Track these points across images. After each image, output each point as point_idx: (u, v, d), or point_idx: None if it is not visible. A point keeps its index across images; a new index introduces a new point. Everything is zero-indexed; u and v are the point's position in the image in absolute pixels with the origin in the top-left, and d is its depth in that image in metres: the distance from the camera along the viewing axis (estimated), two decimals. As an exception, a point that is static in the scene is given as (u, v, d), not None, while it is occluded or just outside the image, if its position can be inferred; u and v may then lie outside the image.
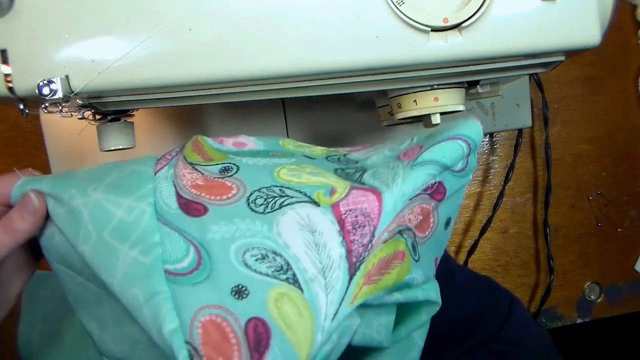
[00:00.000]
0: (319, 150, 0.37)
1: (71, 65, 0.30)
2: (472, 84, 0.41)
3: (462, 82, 0.38)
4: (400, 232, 0.30)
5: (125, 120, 0.40)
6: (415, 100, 0.38)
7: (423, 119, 0.39)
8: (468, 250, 0.59)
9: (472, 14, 0.30)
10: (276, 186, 0.30)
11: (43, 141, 0.51)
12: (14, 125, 0.55)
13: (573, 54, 0.34)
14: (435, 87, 0.37)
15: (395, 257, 0.29)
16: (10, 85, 0.31)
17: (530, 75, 0.55)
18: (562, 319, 0.61)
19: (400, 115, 0.39)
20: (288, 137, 0.53)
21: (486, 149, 0.60)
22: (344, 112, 0.53)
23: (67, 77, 0.30)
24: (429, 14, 0.30)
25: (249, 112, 0.53)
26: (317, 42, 0.31)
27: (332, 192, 0.29)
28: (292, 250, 0.27)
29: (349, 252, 0.28)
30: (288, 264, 0.27)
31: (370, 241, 0.28)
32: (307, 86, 0.34)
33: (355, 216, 0.28)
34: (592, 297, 0.61)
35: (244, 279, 0.27)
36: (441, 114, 0.38)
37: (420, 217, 0.31)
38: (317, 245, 0.28)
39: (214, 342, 0.25)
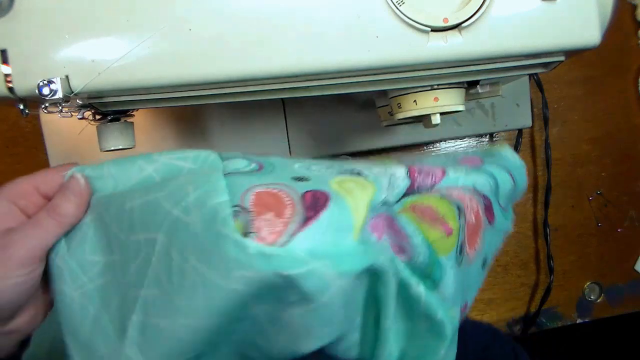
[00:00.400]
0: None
1: (71, 65, 0.30)
2: (472, 84, 0.41)
3: (462, 82, 0.38)
4: (459, 209, 0.30)
5: (125, 120, 0.40)
6: (415, 100, 0.38)
7: (423, 119, 0.39)
8: (468, 250, 0.59)
9: (472, 14, 0.30)
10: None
11: (43, 141, 0.51)
12: (14, 125, 0.55)
13: (573, 54, 0.34)
14: (435, 87, 0.37)
15: (443, 224, 0.29)
16: (10, 85, 0.31)
17: (530, 75, 0.55)
18: (562, 319, 0.61)
19: (400, 116, 0.39)
20: (288, 137, 0.53)
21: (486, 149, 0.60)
22: (344, 112, 0.53)
23: (67, 77, 0.30)
24: (429, 14, 0.30)
25: (249, 112, 0.53)
26: (317, 42, 0.31)
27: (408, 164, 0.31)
28: (359, 166, 0.29)
29: (411, 179, 0.30)
30: (355, 169, 0.29)
31: (430, 187, 0.30)
32: (307, 86, 0.34)
33: (422, 169, 0.30)
34: (592, 297, 0.61)
35: (306, 173, 0.28)
36: (441, 114, 0.38)
37: (474, 220, 0.31)
38: (385, 168, 0.29)
39: (266, 204, 0.25)
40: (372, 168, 0.30)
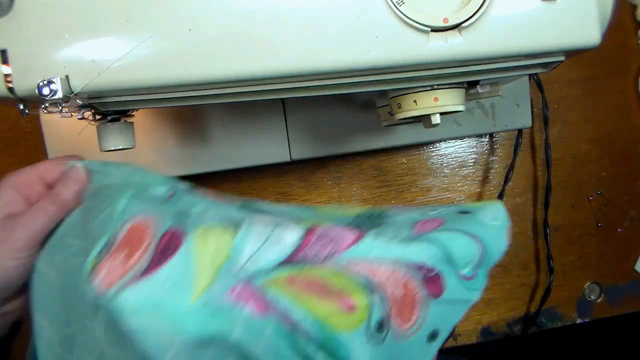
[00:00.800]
0: (355, 210, 0.36)
1: (71, 65, 0.30)
2: (472, 84, 0.41)
3: (462, 82, 0.38)
4: (367, 282, 0.27)
5: (125, 121, 0.40)
6: (415, 101, 0.38)
7: (423, 119, 0.39)
8: (468, 250, 0.59)
9: (472, 14, 0.30)
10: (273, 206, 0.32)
11: (43, 141, 0.51)
12: (14, 125, 0.55)
13: (573, 54, 0.34)
14: (435, 87, 0.37)
15: (340, 298, 0.26)
16: (10, 85, 0.31)
17: (530, 75, 0.55)
18: (562, 319, 0.61)
19: (400, 116, 0.39)
20: (288, 137, 0.53)
21: (486, 149, 0.60)
22: (344, 112, 0.53)
23: (67, 77, 0.30)
24: (429, 14, 0.30)
25: (249, 112, 0.53)
26: (317, 42, 0.31)
27: (314, 225, 0.29)
28: (252, 223, 0.28)
29: (298, 248, 0.27)
30: (240, 224, 0.27)
31: (325, 258, 0.28)
32: (307, 86, 0.34)
33: (324, 234, 0.28)
34: (592, 297, 0.61)
35: (194, 209, 0.28)
36: (441, 114, 0.38)
37: (402, 292, 0.28)
38: (276, 227, 0.28)
39: (130, 240, 0.25)
40: (263, 225, 0.28)
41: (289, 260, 0.27)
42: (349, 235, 0.28)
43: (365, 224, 0.32)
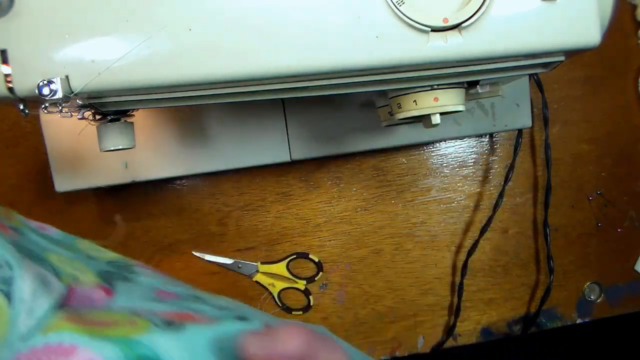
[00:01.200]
0: (109, 255, 0.37)
1: (71, 65, 0.30)
2: (472, 84, 0.41)
3: (462, 82, 0.38)
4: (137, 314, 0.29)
5: (125, 121, 0.40)
6: (415, 101, 0.38)
7: (423, 119, 0.39)
8: (468, 251, 0.59)
9: (472, 14, 0.30)
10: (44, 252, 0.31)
11: (43, 141, 0.51)
12: (14, 125, 0.55)
13: (573, 54, 0.34)
14: (435, 87, 0.37)
15: (130, 323, 0.28)
16: (10, 85, 0.31)
17: (530, 75, 0.55)
18: (562, 319, 0.61)
19: (400, 116, 0.39)
20: (288, 137, 0.53)
21: (486, 149, 0.60)
22: (344, 112, 0.53)
23: (67, 77, 0.30)
24: (429, 14, 0.30)
25: (249, 111, 0.53)
26: (317, 42, 0.31)
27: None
28: (24, 271, 0.28)
29: (65, 298, 0.28)
30: (12, 280, 0.27)
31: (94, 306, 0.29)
32: (307, 86, 0.34)
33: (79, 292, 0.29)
34: (592, 297, 0.61)
35: None
36: (441, 114, 0.38)
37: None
38: (45, 282, 0.28)
39: None
40: (32, 278, 0.28)
41: (60, 305, 0.28)
42: (99, 293, 0.30)
43: (117, 274, 0.34)
